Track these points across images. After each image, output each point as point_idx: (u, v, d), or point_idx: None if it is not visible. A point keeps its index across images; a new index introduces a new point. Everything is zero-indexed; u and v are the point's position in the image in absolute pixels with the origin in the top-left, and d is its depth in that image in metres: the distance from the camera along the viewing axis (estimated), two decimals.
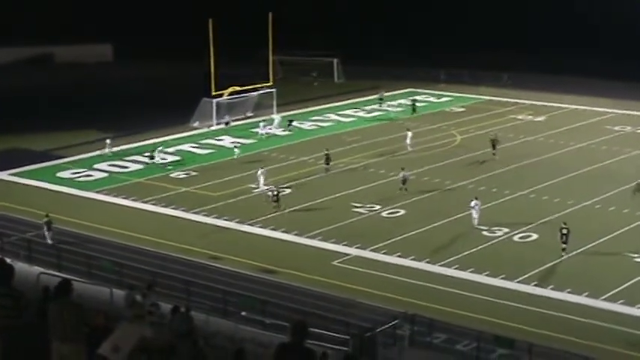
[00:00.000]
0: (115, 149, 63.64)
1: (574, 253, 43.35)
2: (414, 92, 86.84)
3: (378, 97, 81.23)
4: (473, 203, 47.94)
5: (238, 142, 65.57)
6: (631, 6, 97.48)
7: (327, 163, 58.59)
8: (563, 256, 42.93)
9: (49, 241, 44.90)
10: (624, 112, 76.76)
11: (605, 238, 45.27)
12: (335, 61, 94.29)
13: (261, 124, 69.11)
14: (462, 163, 60.37)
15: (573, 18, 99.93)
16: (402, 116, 75.79)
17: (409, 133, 64.96)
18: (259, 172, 55.22)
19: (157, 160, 60.99)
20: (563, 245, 43.08)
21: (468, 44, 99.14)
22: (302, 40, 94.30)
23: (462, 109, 79.67)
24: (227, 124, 72.25)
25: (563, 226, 43.46)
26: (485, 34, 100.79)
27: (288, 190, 54.25)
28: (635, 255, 42.94)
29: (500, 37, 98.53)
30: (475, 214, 47.52)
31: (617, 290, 38.82)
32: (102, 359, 11.47)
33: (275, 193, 51.24)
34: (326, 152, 59.22)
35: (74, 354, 11.92)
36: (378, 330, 33.35)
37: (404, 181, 53.45)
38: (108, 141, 64.02)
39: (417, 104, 79.01)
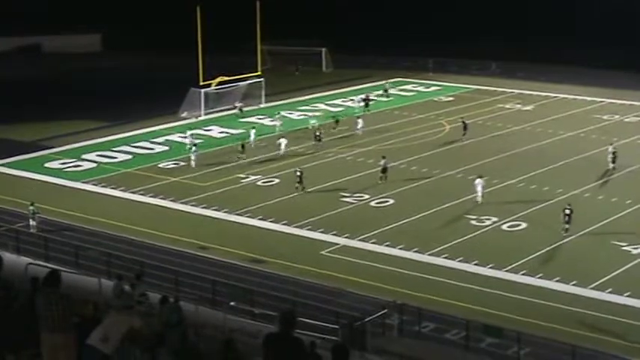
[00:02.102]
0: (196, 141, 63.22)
1: (563, 242, 43.48)
2: (403, 82, 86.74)
3: (383, 89, 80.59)
4: (477, 181, 49.09)
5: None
6: None
7: (319, 140, 61.24)
8: (564, 236, 43.82)
9: (32, 230, 44.83)
10: (613, 101, 76.80)
11: (593, 227, 45.36)
12: (323, 50, 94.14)
13: (275, 116, 69.04)
14: (450, 153, 60.40)
15: (563, 6, 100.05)
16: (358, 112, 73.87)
17: (359, 121, 65.87)
18: (280, 140, 60.74)
19: (252, 138, 62.18)
20: (566, 226, 43.97)
21: (456, 33, 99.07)
22: (290, 30, 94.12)
23: (451, 99, 79.67)
24: (241, 110, 72.29)
25: (567, 206, 44.51)
26: (474, 23, 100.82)
27: (276, 180, 54.29)
28: (624, 244, 43.04)
29: (489, 26, 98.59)
30: (479, 192, 48.85)
31: (605, 279, 38.92)
32: (91, 349, 11.43)
33: (299, 174, 51.80)
34: (316, 133, 61.95)
35: (64, 344, 11.88)
36: (367, 319, 33.39)
37: (384, 169, 53.49)
38: (189, 132, 63.84)
39: (371, 102, 75.56)
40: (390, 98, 78.94)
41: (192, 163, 57.58)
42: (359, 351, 30.64)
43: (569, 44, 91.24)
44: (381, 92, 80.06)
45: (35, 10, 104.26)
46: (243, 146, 59.36)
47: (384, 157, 54.33)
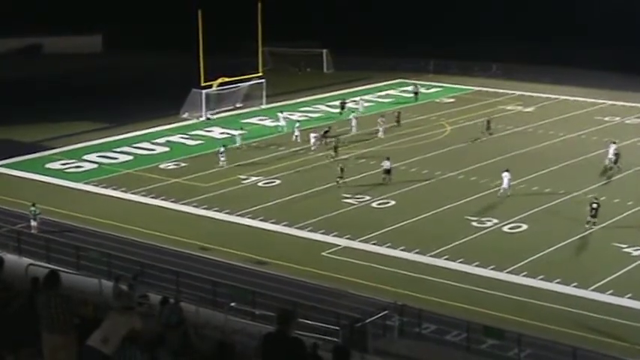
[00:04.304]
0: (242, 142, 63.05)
1: (563, 243, 43.48)
2: (404, 83, 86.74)
3: (413, 92, 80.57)
4: (504, 174, 50.38)
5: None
6: None
7: (325, 137, 61.95)
8: (591, 228, 45.04)
9: (33, 231, 44.81)
10: (614, 102, 76.83)
11: (594, 228, 45.34)
12: (324, 51, 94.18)
13: (280, 115, 69.13)
14: (451, 154, 60.39)
15: (564, 8, 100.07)
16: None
17: (380, 120, 66.19)
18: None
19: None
20: (594, 220, 45.05)
21: (457, 35, 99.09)
22: (292, 31, 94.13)
23: (452, 100, 79.66)
24: (209, 118, 72.40)
25: (594, 200, 45.64)
26: (474, 25, 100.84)
27: (277, 181, 54.31)
28: (625, 245, 43.05)
29: (489, 28, 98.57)
30: (505, 185, 50.15)
31: (606, 280, 38.91)
32: (91, 350, 11.44)
33: (341, 167, 52.89)
34: (326, 130, 63.14)
35: (64, 345, 11.89)
36: (368, 321, 33.40)
37: (387, 171, 53.53)
38: (238, 134, 63.68)
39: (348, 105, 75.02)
40: (419, 97, 79.61)
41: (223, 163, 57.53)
42: (359, 352, 30.62)
43: (570, 46, 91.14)
44: (411, 94, 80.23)
45: (36, 11, 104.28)
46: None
47: (387, 159, 54.35)
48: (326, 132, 62.81)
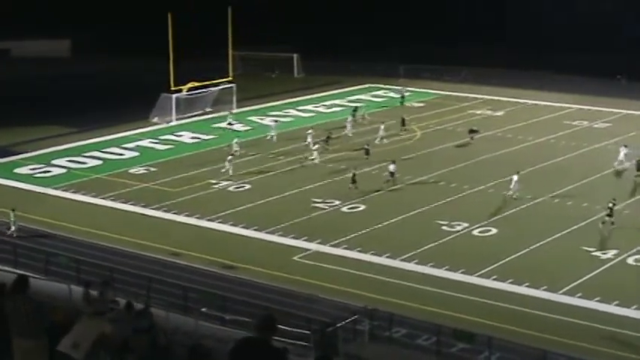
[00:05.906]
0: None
1: (532, 247, 43.68)
2: (374, 87, 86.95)
3: (400, 96, 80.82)
4: (514, 177, 51.05)
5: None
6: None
7: (327, 142, 62.71)
8: (611, 225, 45.77)
9: (9, 233, 44.60)
10: (582, 107, 77.37)
11: (563, 232, 45.63)
12: (295, 56, 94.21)
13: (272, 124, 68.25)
14: (422, 158, 60.54)
15: (532, 14, 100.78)
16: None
17: (382, 126, 66.03)
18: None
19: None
20: (611, 219, 45.71)
21: (428, 40, 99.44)
22: (262, 36, 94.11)
23: (422, 105, 79.88)
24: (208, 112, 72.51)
25: (612, 201, 46.36)
26: (445, 30, 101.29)
27: (247, 186, 54.24)
28: (592, 249, 43.35)
29: (460, 33, 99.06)
30: (514, 187, 50.68)
31: (574, 284, 39.16)
32: (62, 356, 11.38)
33: (354, 173, 53.07)
34: (328, 136, 63.55)
35: (35, 350, 11.81)
36: (339, 325, 33.40)
37: (392, 173, 53.67)
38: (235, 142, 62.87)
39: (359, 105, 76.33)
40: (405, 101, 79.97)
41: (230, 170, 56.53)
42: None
43: (539, 51, 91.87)
44: (399, 97, 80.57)
45: (4, 15, 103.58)
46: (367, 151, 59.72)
47: (393, 162, 54.53)
48: (328, 138, 62.95)
